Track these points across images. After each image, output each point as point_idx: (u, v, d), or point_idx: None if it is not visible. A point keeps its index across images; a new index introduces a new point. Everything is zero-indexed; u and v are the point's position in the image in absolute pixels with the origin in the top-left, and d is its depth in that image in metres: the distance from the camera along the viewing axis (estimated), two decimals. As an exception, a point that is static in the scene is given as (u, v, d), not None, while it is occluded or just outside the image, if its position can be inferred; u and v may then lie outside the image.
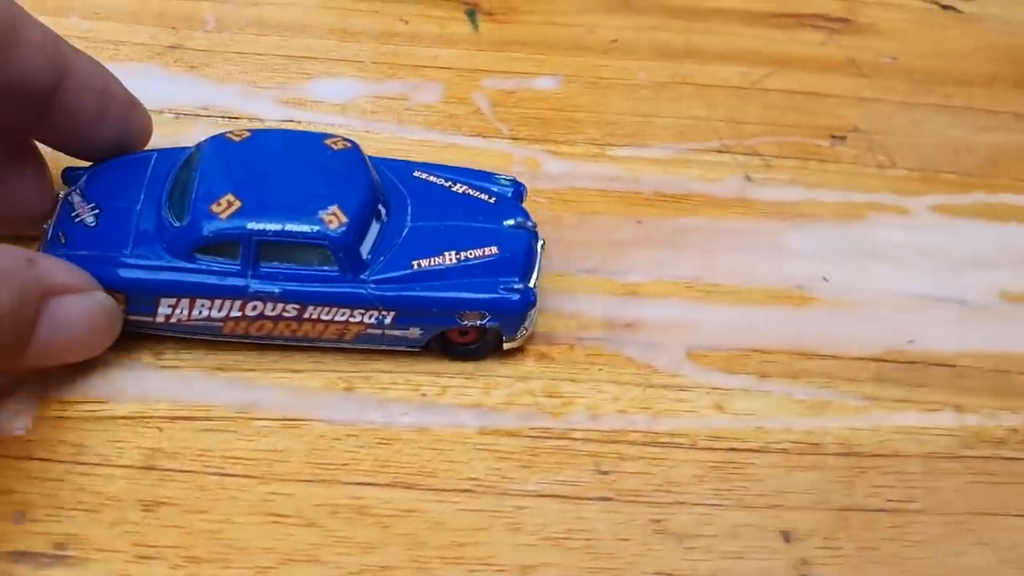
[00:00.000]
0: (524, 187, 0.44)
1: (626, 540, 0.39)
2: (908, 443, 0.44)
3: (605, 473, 0.41)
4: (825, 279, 0.49)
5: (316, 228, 0.37)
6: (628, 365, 0.44)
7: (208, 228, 0.37)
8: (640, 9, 0.62)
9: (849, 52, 0.62)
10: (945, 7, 0.67)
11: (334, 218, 0.37)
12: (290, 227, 0.37)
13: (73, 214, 0.39)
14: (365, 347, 0.41)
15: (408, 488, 0.39)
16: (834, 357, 0.46)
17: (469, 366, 0.43)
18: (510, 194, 0.43)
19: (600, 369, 0.43)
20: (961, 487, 0.42)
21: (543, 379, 0.43)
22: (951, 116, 0.59)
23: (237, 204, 0.37)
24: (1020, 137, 0.59)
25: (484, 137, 0.52)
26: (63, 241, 0.38)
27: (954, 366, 0.47)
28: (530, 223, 0.41)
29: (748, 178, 0.53)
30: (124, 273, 0.37)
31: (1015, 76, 0.63)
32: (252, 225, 0.37)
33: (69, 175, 0.41)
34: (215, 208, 0.37)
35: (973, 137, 0.58)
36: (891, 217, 0.53)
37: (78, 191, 0.40)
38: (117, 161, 0.41)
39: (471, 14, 0.59)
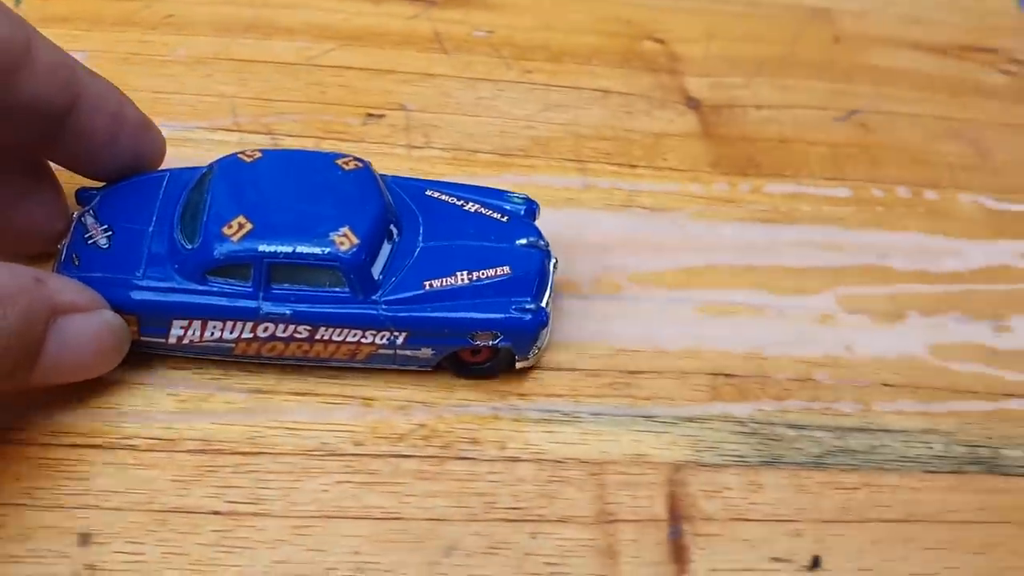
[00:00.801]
0: (537, 205, 0.43)
1: None
2: (287, 439, 0.41)
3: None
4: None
5: (327, 250, 0.37)
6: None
7: (219, 250, 0.37)
8: (219, -18, 0.59)
9: (439, 26, 0.59)
10: (580, -20, 0.64)
11: (345, 239, 0.37)
12: (301, 249, 0.37)
13: (86, 236, 0.39)
14: (377, 367, 0.41)
15: None
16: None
17: None
18: (522, 212, 0.43)
19: None
20: (325, 487, 0.40)
21: None
22: (524, 93, 0.56)
23: (248, 226, 0.37)
24: (595, 114, 0.55)
25: (-37, 118, 0.50)
26: (76, 263, 0.38)
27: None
28: (542, 242, 0.41)
29: (246, 158, 0.50)
30: (136, 296, 0.38)
31: (622, 51, 0.60)
32: (263, 247, 0.37)
33: (82, 195, 0.41)
34: (226, 230, 0.37)
35: (540, 115, 0.55)
36: (393, 199, 0.50)
37: (91, 212, 0.40)
38: (130, 181, 0.41)
39: (18, -11, 0.57)
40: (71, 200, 0.42)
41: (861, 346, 0.47)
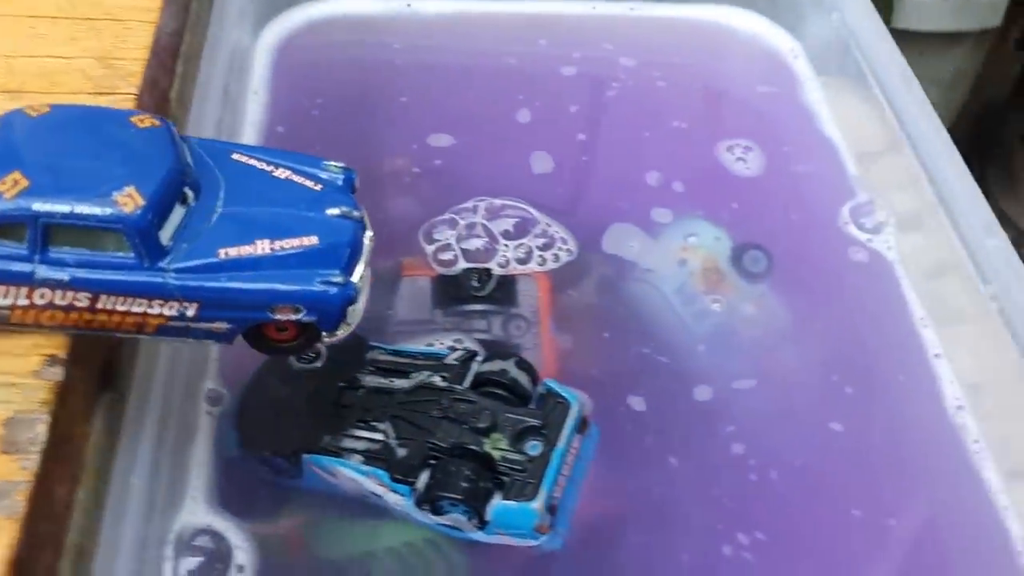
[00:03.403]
0: (355, 174, 0.40)
1: None
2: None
3: None
4: None
5: (108, 211, 0.34)
6: None
7: None
8: None
9: None
10: None
11: (129, 200, 0.34)
12: (80, 209, 0.34)
13: None
14: (171, 340, 0.38)
15: None
16: None
17: None
18: (340, 182, 0.40)
19: None
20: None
21: None
22: None
23: (24, 183, 0.34)
24: None
25: None
26: None
27: None
28: (356, 213, 0.38)
29: None
30: None
31: None
32: (38, 206, 0.34)
33: None
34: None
35: None
36: None
37: None
38: None
39: None
40: None
41: None
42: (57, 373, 0.34)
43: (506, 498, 0.40)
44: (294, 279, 0.35)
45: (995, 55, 1.30)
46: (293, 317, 0.36)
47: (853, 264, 0.51)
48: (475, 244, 0.50)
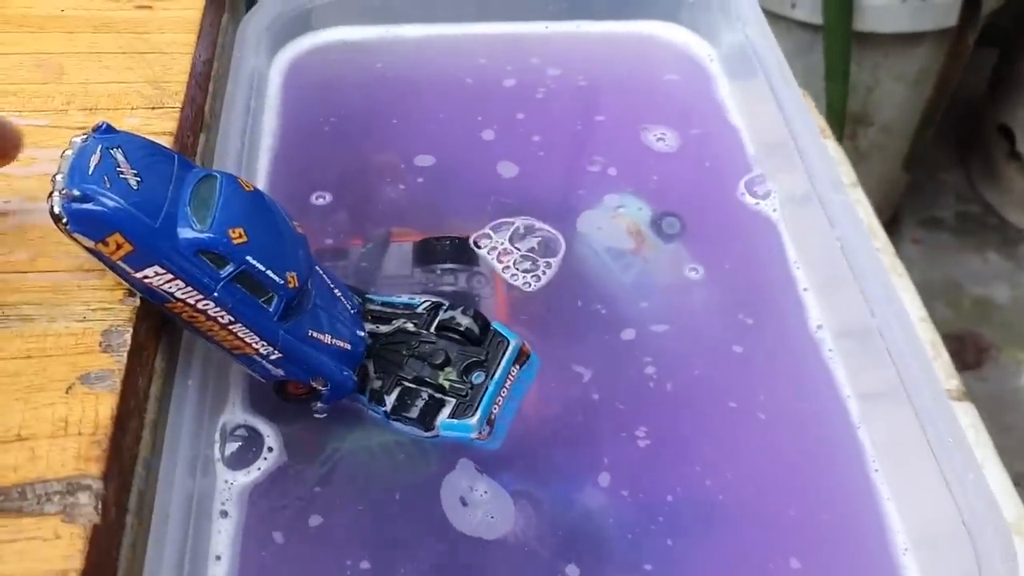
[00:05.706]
0: (361, 306, 0.53)
1: None
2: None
3: None
4: None
5: (280, 281, 0.46)
6: None
7: (224, 245, 0.44)
8: None
9: None
10: None
11: (292, 279, 0.46)
12: (268, 273, 0.46)
13: (118, 169, 0.43)
14: (236, 361, 0.48)
15: None
16: None
17: None
18: (356, 309, 0.52)
19: None
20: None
21: None
22: None
23: (245, 238, 0.45)
24: None
25: None
26: (107, 185, 0.42)
27: None
28: (368, 338, 0.51)
29: None
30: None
31: None
32: (249, 258, 0.45)
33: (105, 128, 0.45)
34: (231, 232, 0.44)
35: None
36: None
37: (121, 151, 0.44)
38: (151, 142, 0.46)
39: None
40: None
41: None
42: (135, 302, 0.46)
43: (451, 416, 0.50)
44: (335, 366, 0.49)
45: (956, 53, 1.40)
46: (317, 386, 0.49)
47: (746, 224, 0.62)
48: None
